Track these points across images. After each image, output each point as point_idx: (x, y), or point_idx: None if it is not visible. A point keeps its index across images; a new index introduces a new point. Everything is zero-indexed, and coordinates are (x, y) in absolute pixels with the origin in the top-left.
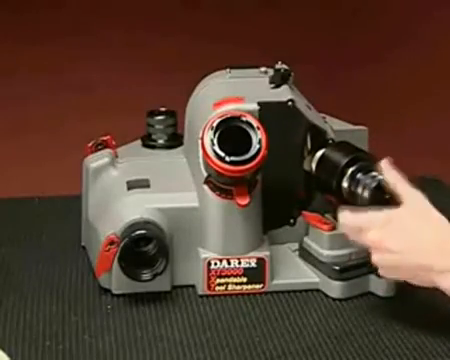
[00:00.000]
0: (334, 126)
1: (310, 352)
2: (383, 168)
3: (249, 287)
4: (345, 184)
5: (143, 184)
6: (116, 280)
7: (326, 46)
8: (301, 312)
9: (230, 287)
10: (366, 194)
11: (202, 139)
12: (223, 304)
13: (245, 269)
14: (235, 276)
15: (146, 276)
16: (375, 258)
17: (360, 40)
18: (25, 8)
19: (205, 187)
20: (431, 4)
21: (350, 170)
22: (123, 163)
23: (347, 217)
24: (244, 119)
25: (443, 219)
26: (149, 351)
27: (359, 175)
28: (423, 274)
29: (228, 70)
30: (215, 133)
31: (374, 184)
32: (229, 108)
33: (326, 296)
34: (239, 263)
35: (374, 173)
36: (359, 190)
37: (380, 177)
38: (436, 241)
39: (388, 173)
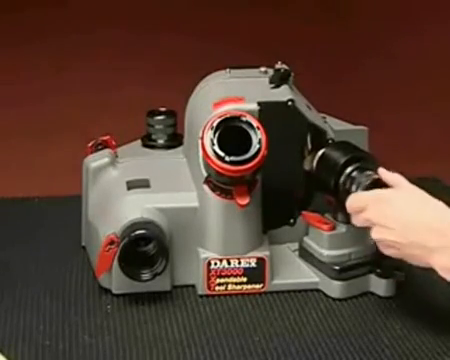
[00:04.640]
0: (334, 126)
1: (310, 352)
2: (381, 171)
3: (249, 287)
4: (341, 183)
5: (143, 184)
6: (116, 280)
7: (326, 46)
8: (301, 312)
9: (230, 287)
10: (359, 192)
11: (202, 139)
12: (223, 304)
13: (245, 269)
14: (235, 276)
15: (146, 276)
16: (374, 234)
17: (360, 40)
18: (24, 7)
19: (205, 187)
20: (432, 3)
21: (348, 169)
22: (123, 163)
23: (351, 198)
24: (244, 119)
25: (439, 204)
26: (149, 351)
27: (354, 173)
28: (417, 252)
29: (228, 70)
30: (215, 133)
31: (368, 182)
32: (229, 108)
33: (326, 296)
34: (239, 263)
35: (369, 172)
36: (353, 188)
37: (375, 176)
38: (427, 220)
39: (385, 173)
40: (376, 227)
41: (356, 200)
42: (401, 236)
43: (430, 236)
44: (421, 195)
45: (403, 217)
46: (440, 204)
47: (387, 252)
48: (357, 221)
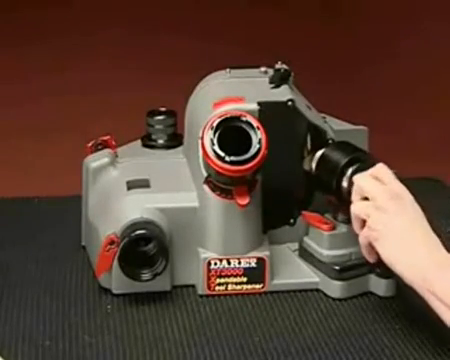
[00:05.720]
0: (334, 126)
1: (310, 352)
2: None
3: (249, 287)
4: (345, 184)
5: (143, 184)
6: (116, 280)
7: (326, 46)
8: (301, 312)
9: (230, 287)
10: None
11: (202, 139)
12: (223, 304)
13: (245, 269)
14: (235, 276)
15: (146, 276)
16: (368, 208)
17: (360, 40)
18: (24, 7)
19: (205, 187)
20: (432, 4)
21: (350, 170)
22: (123, 163)
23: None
24: (244, 119)
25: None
26: (149, 351)
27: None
28: (402, 250)
29: (228, 70)
30: (215, 133)
31: None
32: (229, 108)
33: (326, 296)
34: (239, 263)
35: None
36: None
37: None
38: (423, 238)
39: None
40: (373, 205)
41: (371, 180)
42: (393, 221)
43: (425, 249)
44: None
45: (407, 218)
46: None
47: (364, 232)
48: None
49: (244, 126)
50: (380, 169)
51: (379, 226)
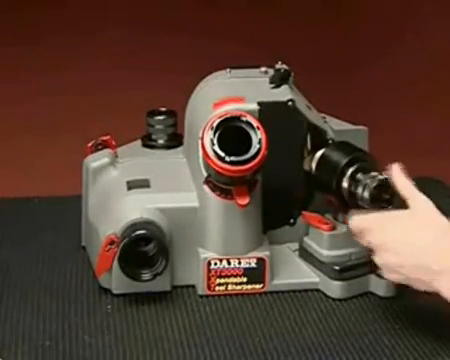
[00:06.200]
0: (334, 126)
1: (310, 352)
2: (393, 173)
3: (249, 287)
4: (345, 184)
5: (143, 184)
6: (116, 280)
7: (326, 46)
8: (301, 312)
9: (230, 287)
10: (366, 194)
11: (202, 139)
12: (223, 304)
13: (245, 269)
14: (235, 276)
15: (146, 276)
16: (377, 259)
17: (360, 40)
18: (24, 7)
19: (205, 187)
20: (432, 3)
21: (350, 170)
22: (123, 163)
23: (353, 219)
24: (244, 119)
25: (445, 223)
26: (149, 351)
27: (359, 175)
28: (422, 276)
29: (228, 70)
30: (215, 133)
31: (374, 184)
32: (229, 108)
33: (326, 296)
34: (239, 263)
35: (374, 173)
36: (359, 190)
37: (380, 177)
38: (436, 242)
39: (398, 178)
40: (379, 251)
41: (360, 222)
42: (404, 259)
43: (435, 258)
44: (430, 210)
45: (405, 240)
46: (445, 224)
47: (391, 277)
48: (363, 243)
49: (244, 126)
50: (355, 222)
51: (394, 276)
